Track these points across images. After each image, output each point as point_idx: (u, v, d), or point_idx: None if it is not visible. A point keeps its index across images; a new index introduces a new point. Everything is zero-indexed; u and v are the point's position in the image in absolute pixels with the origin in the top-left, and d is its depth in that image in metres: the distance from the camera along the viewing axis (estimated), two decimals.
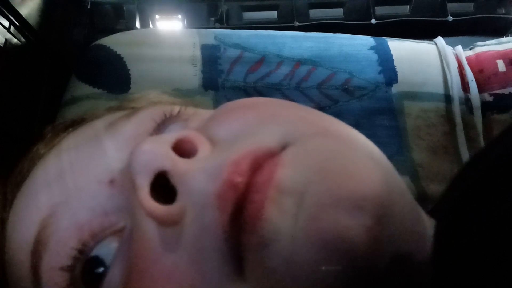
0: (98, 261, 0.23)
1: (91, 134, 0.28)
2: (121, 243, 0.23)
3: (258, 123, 0.24)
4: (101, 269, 0.23)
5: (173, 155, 0.22)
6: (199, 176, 0.21)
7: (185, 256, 0.21)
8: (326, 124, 0.25)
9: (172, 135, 0.23)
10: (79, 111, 0.51)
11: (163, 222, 0.21)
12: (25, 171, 0.29)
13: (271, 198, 0.20)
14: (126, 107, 0.34)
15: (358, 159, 0.22)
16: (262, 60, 0.56)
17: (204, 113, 0.29)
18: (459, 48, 0.59)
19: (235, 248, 0.20)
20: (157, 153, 0.22)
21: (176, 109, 0.28)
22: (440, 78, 0.56)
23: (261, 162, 0.21)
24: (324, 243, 0.19)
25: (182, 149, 0.23)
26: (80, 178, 0.25)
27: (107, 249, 0.23)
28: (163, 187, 0.22)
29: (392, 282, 0.21)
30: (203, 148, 0.23)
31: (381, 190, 0.20)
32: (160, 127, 0.27)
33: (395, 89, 0.55)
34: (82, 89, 0.54)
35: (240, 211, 0.20)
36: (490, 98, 0.54)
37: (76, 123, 0.32)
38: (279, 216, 0.20)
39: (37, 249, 0.25)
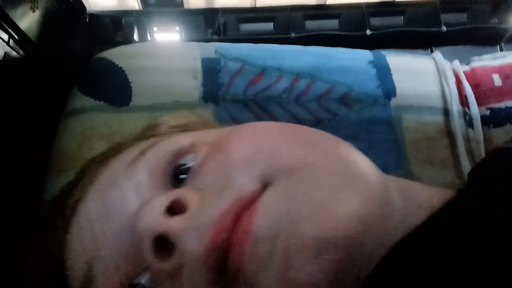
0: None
1: (113, 179, 0.32)
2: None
3: (239, 166, 0.27)
4: None
5: (165, 219, 0.26)
6: (189, 237, 0.25)
7: None
8: (306, 156, 0.27)
9: (164, 198, 0.27)
10: (80, 123, 0.52)
11: (162, 274, 0.26)
12: (73, 207, 0.33)
13: (248, 251, 0.24)
14: (147, 136, 0.38)
15: (331, 196, 0.25)
16: (262, 73, 0.56)
17: (211, 137, 0.32)
18: (456, 62, 0.60)
19: None
20: (153, 220, 0.26)
21: (186, 143, 0.31)
22: (438, 92, 0.57)
23: (241, 213, 0.25)
24: None
25: (175, 208, 0.26)
26: (108, 225, 0.29)
27: (145, 280, 0.27)
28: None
29: None
30: (192, 204, 0.26)
31: (349, 228, 0.23)
32: (172, 163, 0.30)
33: (393, 102, 0.56)
34: (84, 101, 0.54)
35: (225, 261, 0.24)
36: (487, 112, 0.55)
37: (110, 154, 0.36)
38: (255, 265, 0.23)
39: (86, 286, 0.29)
